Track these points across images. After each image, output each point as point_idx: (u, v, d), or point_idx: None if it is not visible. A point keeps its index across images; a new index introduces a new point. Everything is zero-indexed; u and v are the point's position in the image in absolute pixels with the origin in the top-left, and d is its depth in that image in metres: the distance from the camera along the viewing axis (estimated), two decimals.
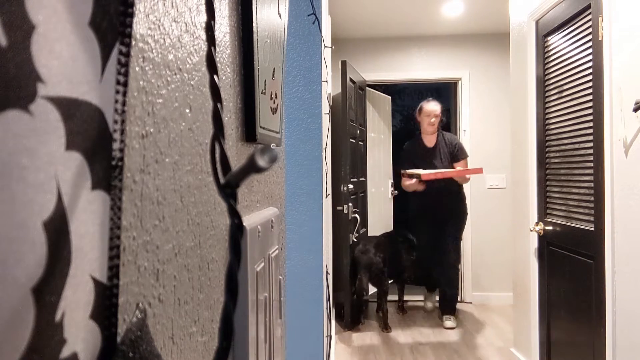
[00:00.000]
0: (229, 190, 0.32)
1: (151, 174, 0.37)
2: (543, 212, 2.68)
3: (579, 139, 2.32)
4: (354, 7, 3.99)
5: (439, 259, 4.02)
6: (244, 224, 0.55)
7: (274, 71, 0.83)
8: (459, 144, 4.09)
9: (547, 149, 2.65)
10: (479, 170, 3.78)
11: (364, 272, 3.80)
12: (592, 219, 2.20)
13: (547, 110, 2.64)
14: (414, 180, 3.85)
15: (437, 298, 4.26)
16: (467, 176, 4.03)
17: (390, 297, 4.35)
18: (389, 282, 4.07)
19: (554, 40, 2.55)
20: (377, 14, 4.15)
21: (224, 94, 0.58)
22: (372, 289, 4.65)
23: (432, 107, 3.98)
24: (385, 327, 3.93)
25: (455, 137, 4.22)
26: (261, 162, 0.27)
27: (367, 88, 4.77)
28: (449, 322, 3.97)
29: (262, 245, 0.68)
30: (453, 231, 4.03)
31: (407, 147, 4.22)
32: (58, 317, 0.24)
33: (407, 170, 3.91)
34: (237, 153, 0.64)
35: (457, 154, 3.99)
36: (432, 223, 4.05)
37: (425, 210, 4.09)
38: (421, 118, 4.01)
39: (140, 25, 0.35)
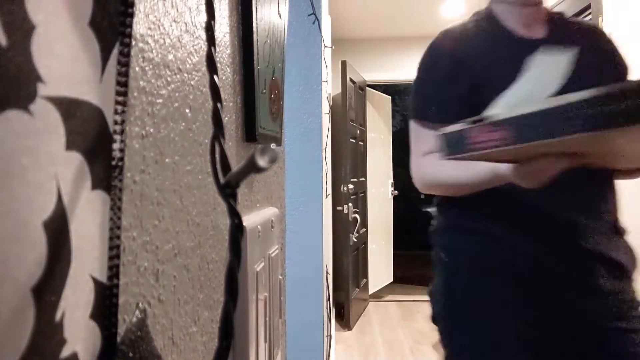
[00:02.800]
0: (229, 190, 0.32)
1: (151, 174, 0.37)
2: None
3: None
4: (354, 7, 3.99)
5: None
6: (244, 224, 0.55)
7: (274, 71, 0.83)
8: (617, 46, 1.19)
9: None
10: None
11: None
12: None
13: None
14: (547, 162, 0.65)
15: None
16: None
17: (398, 298, 4.39)
18: None
19: None
20: (377, 14, 4.15)
21: (224, 94, 0.58)
22: (373, 287, 4.66)
23: None
24: None
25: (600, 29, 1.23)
26: (261, 162, 0.27)
27: (367, 88, 4.77)
28: None
29: (262, 245, 0.68)
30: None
31: (454, 44, 1.11)
32: (58, 317, 0.24)
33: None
34: (237, 153, 0.64)
35: (623, 69, 1.18)
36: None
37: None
38: None
39: (140, 25, 0.35)
